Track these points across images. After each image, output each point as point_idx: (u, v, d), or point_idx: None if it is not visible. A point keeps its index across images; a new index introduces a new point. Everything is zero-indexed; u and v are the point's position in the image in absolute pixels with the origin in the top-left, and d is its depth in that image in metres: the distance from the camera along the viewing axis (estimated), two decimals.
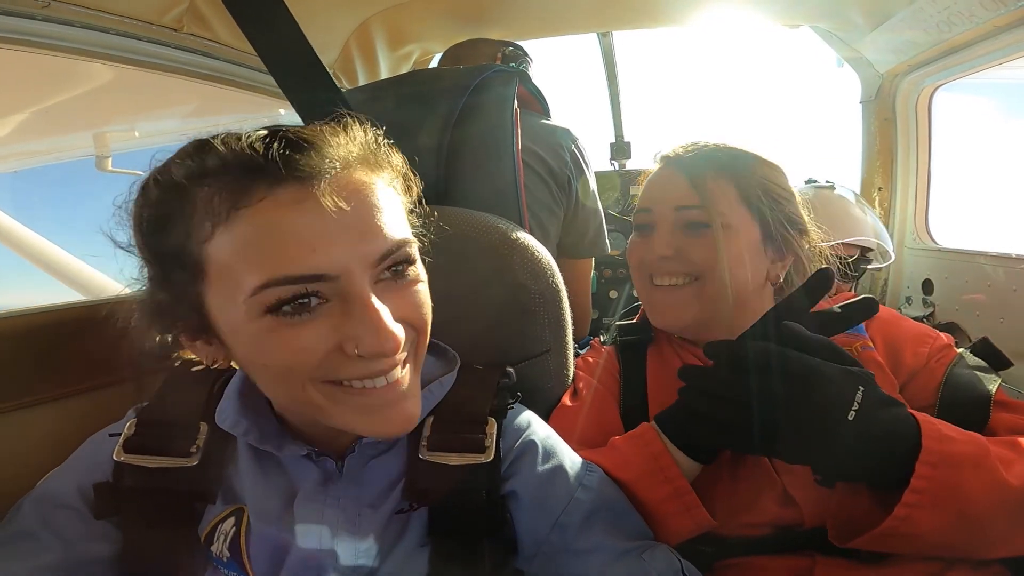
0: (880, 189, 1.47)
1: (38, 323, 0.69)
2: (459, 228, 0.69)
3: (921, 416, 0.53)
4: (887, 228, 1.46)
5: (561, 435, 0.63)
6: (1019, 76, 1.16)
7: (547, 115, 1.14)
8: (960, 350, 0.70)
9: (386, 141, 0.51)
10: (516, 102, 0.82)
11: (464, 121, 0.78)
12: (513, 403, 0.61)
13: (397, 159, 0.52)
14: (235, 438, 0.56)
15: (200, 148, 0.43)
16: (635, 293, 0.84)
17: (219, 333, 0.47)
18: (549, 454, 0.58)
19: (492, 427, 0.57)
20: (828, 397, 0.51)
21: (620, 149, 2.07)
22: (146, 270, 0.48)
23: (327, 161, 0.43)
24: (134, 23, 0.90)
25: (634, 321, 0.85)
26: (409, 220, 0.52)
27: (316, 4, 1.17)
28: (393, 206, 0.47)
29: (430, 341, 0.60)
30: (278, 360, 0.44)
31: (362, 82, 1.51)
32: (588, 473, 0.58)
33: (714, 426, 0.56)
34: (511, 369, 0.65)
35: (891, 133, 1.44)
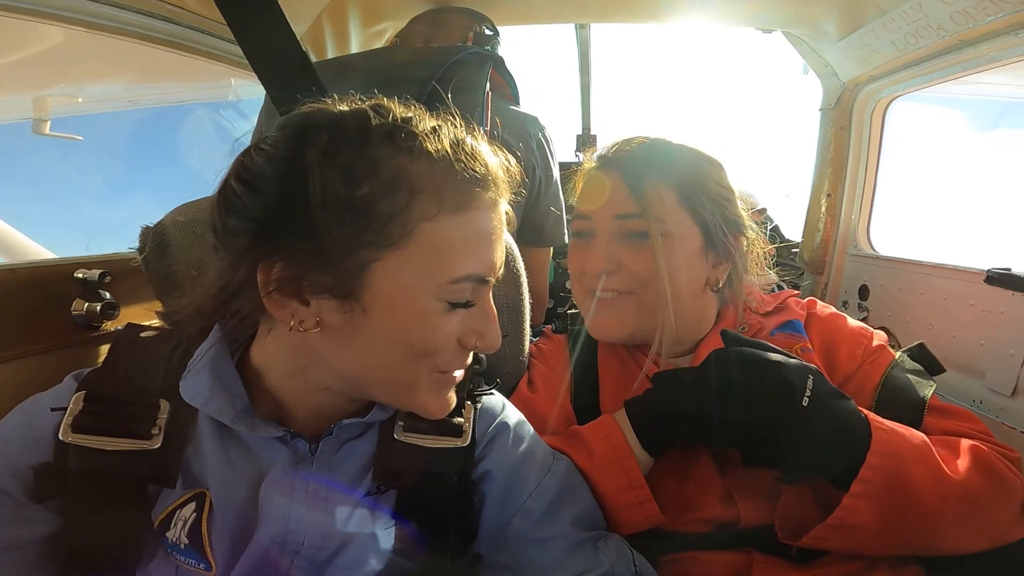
0: (829, 196, 1.38)
1: None
2: None
3: (867, 411, 0.52)
4: (832, 234, 1.38)
5: (530, 423, 0.58)
6: (984, 91, 1.05)
7: (516, 102, 1.01)
8: (897, 353, 0.66)
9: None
10: (488, 86, 0.71)
11: (433, 102, 0.67)
12: (491, 389, 0.57)
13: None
14: (196, 417, 0.46)
15: (436, 131, 0.42)
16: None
17: (365, 299, 0.41)
18: (521, 439, 0.54)
19: (470, 411, 0.52)
20: (782, 382, 0.49)
21: (586, 142, 1.92)
22: (301, 213, 0.39)
23: (501, 178, 0.45)
24: None
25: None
26: None
27: None
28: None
29: None
30: (430, 341, 0.43)
31: (331, 57, 1.32)
32: (556, 460, 0.55)
33: (683, 420, 0.54)
34: (483, 356, 0.57)
35: (845, 141, 1.33)
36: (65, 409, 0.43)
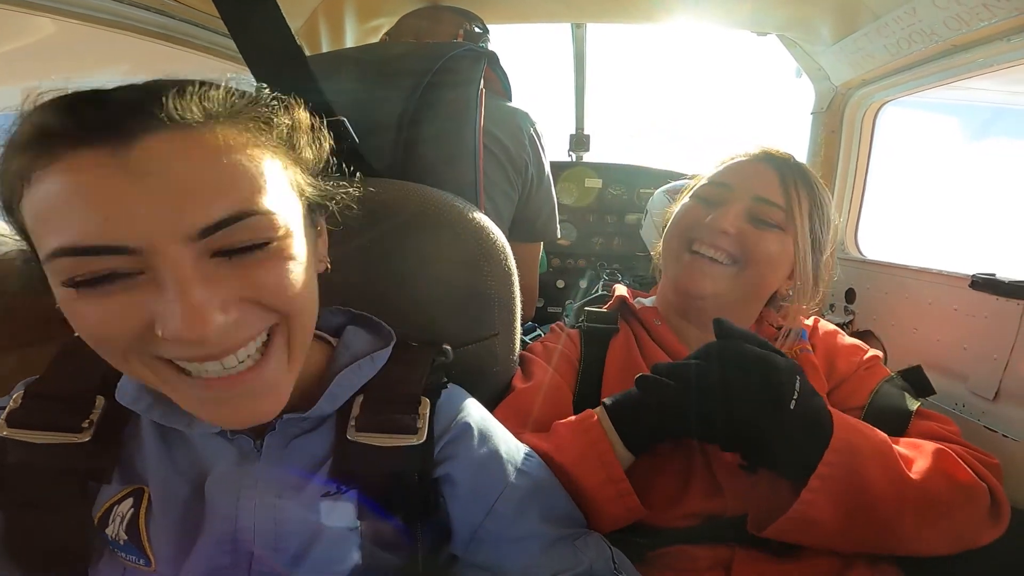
0: None
1: None
2: (414, 203, 0.59)
3: (833, 409, 0.53)
4: None
5: (514, 418, 0.58)
6: (974, 97, 1.04)
7: (509, 98, 0.99)
8: (892, 373, 0.70)
9: (271, 95, 0.40)
10: (482, 83, 0.70)
11: (427, 98, 0.66)
12: (447, 382, 0.53)
13: (284, 117, 0.39)
14: (139, 417, 0.45)
15: (32, 108, 0.34)
16: (587, 285, 0.77)
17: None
18: (485, 437, 0.51)
19: (425, 407, 0.49)
20: (779, 384, 0.51)
21: (579, 141, 1.89)
22: None
23: (146, 119, 0.32)
24: None
25: (603, 309, 0.76)
26: (311, 184, 0.42)
27: None
28: (247, 170, 0.35)
29: (364, 315, 0.52)
30: (85, 333, 0.35)
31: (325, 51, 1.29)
32: (527, 458, 0.52)
33: (667, 413, 0.54)
34: (447, 347, 0.55)
35: (835, 145, 1.32)
36: (4, 408, 0.43)
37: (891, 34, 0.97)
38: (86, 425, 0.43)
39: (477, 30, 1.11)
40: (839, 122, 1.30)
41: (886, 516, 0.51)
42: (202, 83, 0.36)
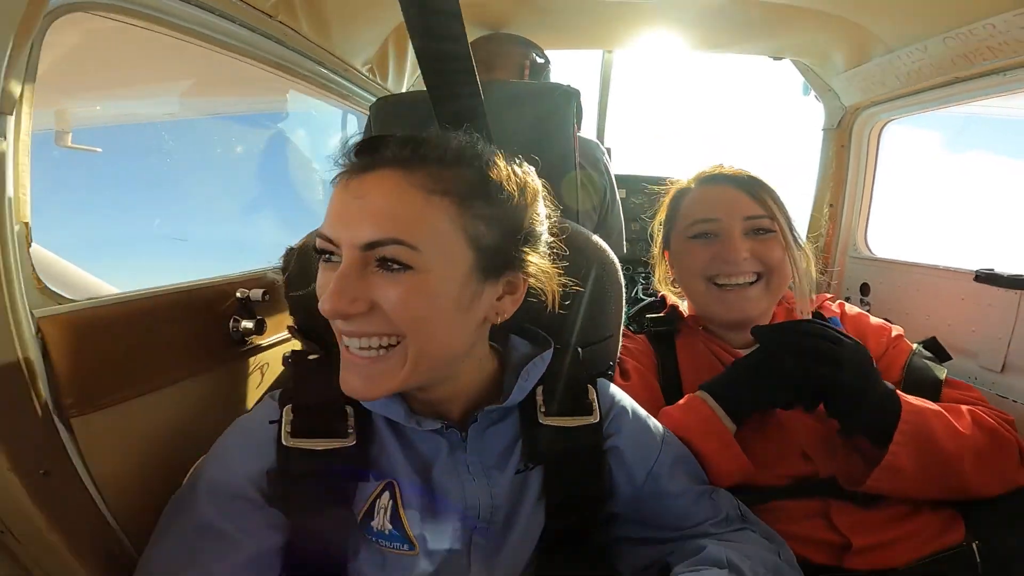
0: (831, 205, 1.53)
1: (136, 310, 0.58)
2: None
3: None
4: (835, 240, 1.53)
5: None
6: (963, 110, 1.21)
7: (579, 128, 1.09)
8: (914, 345, 0.80)
9: (472, 150, 0.49)
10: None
11: (535, 134, 0.74)
12: (608, 371, 0.64)
13: (475, 172, 0.48)
14: (373, 418, 0.53)
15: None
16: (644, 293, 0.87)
17: None
18: (636, 415, 0.61)
19: (592, 394, 0.59)
20: (867, 363, 0.64)
21: None
22: None
23: (385, 159, 0.46)
24: (238, 4, 0.75)
25: (662, 315, 0.89)
26: (491, 237, 0.47)
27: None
28: (415, 211, 0.44)
29: (525, 327, 0.61)
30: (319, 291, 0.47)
31: (391, 79, 1.36)
32: (665, 431, 0.62)
33: (773, 383, 0.65)
34: (580, 348, 0.65)
35: (845, 158, 1.48)
36: (281, 420, 0.49)
37: (902, 66, 1.12)
38: (350, 431, 0.50)
39: (539, 60, 1.20)
40: (848, 138, 1.46)
41: (950, 463, 0.63)
42: (423, 136, 0.48)
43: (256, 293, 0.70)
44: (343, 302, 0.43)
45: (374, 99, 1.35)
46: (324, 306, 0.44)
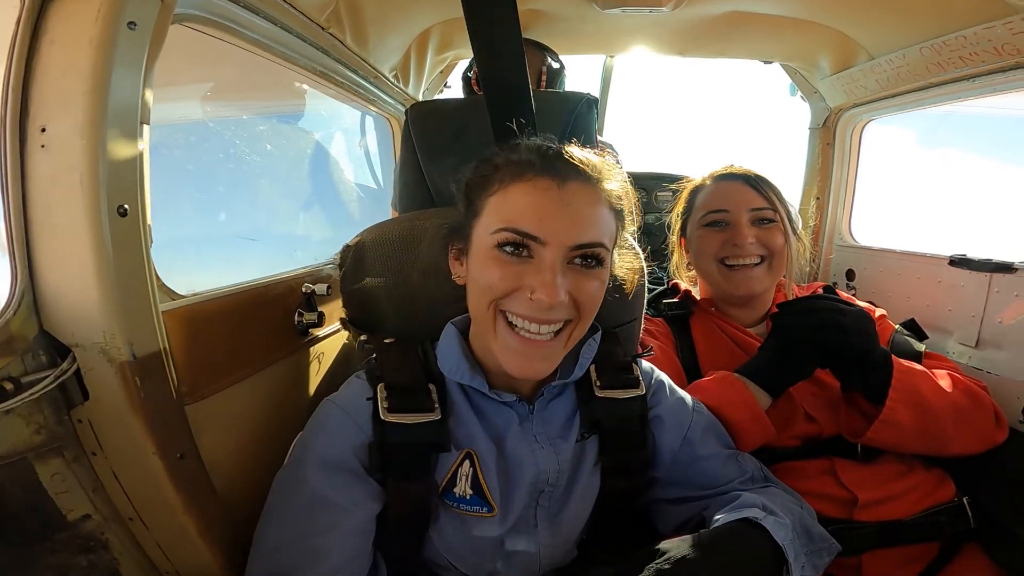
0: (818, 198, 1.64)
1: (229, 305, 0.63)
2: None
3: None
4: (821, 230, 1.64)
5: None
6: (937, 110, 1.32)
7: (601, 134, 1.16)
8: (896, 326, 0.92)
9: (625, 182, 0.58)
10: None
11: (563, 141, 0.79)
12: (650, 350, 0.73)
13: (624, 198, 0.59)
14: (450, 395, 0.59)
15: (514, 145, 0.56)
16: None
17: (469, 254, 0.56)
18: (671, 388, 0.69)
19: (635, 370, 0.66)
20: (871, 327, 0.73)
21: None
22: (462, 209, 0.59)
23: (574, 172, 0.53)
24: (299, 17, 0.79)
25: (677, 299, 0.99)
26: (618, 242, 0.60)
27: (392, 7, 1.07)
28: (605, 220, 0.55)
29: None
30: (488, 278, 0.52)
31: (411, 83, 1.40)
32: (695, 401, 0.69)
33: (799, 359, 0.74)
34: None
35: (830, 155, 1.59)
36: (376, 398, 0.55)
37: (882, 72, 1.22)
38: (435, 406, 0.56)
39: (555, 65, 1.26)
40: (832, 136, 1.56)
41: (937, 418, 0.71)
42: (593, 158, 0.56)
43: (321, 288, 0.75)
44: (560, 293, 0.50)
45: (392, 101, 1.40)
46: (543, 297, 0.49)
